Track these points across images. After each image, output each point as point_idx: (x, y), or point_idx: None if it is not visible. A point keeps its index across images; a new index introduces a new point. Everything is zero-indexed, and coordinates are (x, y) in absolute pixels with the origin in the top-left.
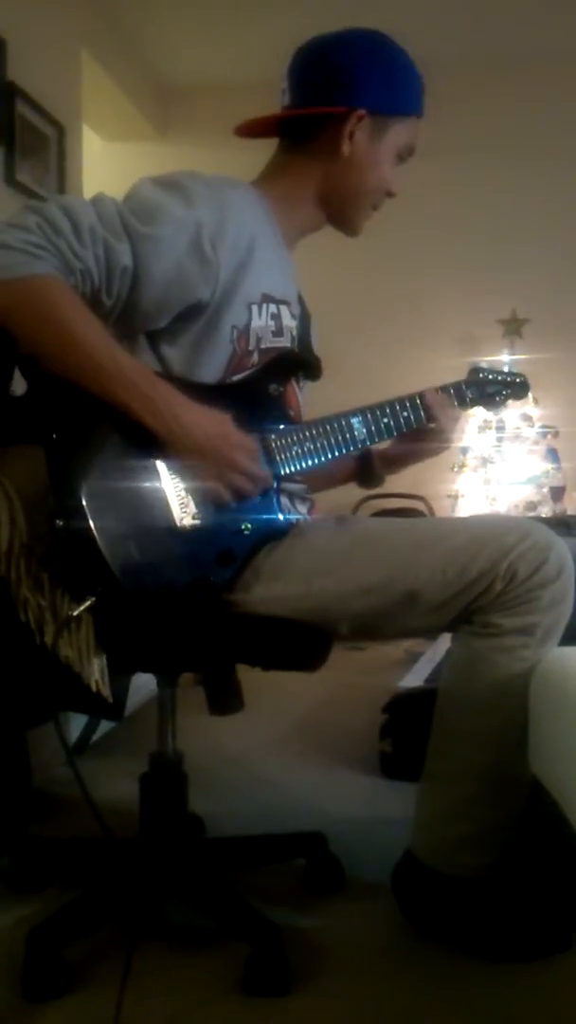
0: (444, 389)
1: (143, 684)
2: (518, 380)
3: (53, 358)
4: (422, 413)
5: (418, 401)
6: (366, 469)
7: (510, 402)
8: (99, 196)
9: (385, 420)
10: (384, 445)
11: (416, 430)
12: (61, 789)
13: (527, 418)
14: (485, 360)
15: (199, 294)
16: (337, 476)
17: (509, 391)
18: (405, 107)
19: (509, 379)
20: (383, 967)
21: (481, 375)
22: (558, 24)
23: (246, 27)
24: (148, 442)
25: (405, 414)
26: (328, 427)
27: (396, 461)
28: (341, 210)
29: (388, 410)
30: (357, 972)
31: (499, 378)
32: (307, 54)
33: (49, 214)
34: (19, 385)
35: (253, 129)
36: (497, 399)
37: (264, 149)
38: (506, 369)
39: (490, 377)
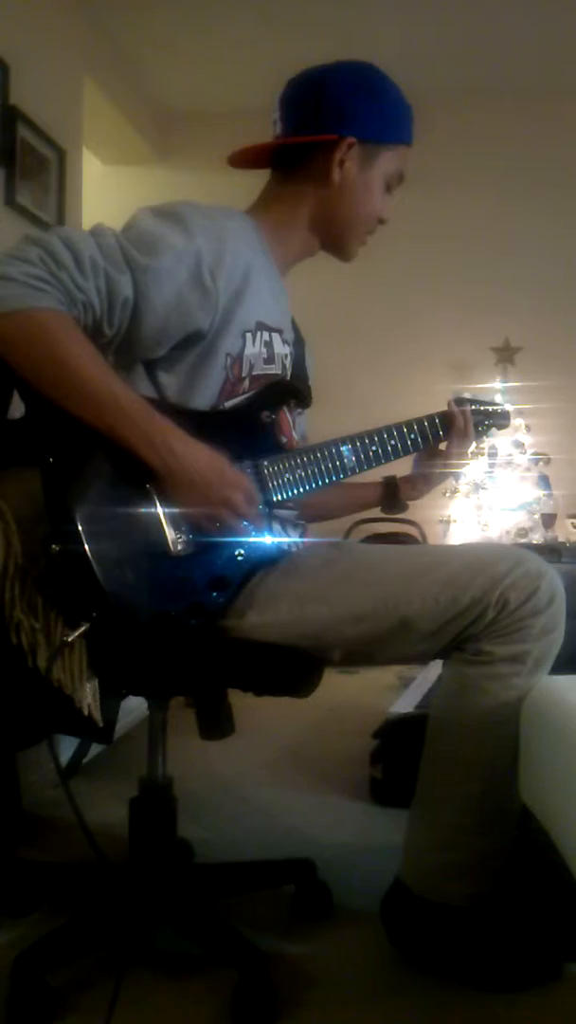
0: (429, 418)
1: (133, 707)
2: (500, 409)
3: (52, 390)
4: (408, 441)
5: (404, 428)
6: (391, 495)
7: (493, 431)
8: (99, 228)
9: (374, 448)
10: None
11: (429, 450)
12: (51, 811)
13: (519, 445)
14: (477, 388)
15: (199, 323)
16: (360, 501)
17: (492, 420)
18: (394, 135)
19: (492, 408)
20: (371, 995)
21: (464, 405)
22: (553, 55)
23: (245, 55)
24: (143, 470)
25: (393, 442)
26: (319, 454)
27: (419, 484)
28: (333, 237)
29: (376, 438)
30: (345, 1000)
31: (482, 407)
32: (298, 84)
33: (51, 246)
34: (17, 408)
35: (246, 159)
36: (480, 428)
37: (263, 174)
38: (496, 398)
39: (473, 407)
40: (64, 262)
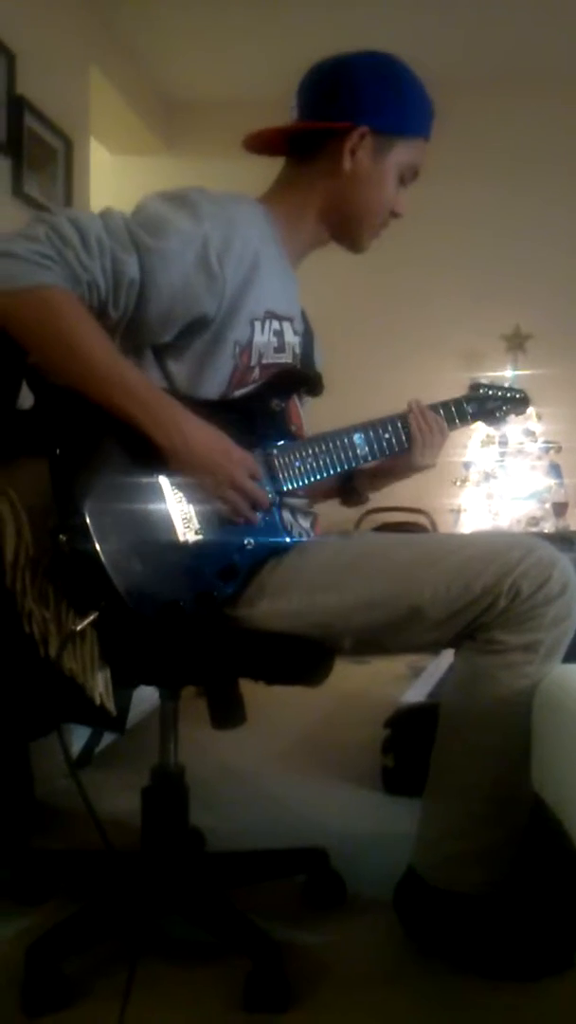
0: (444, 405)
1: (145, 696)
2: (518, 396)
3: (58, 368)
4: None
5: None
6: (348, 487)
7: (511, 417)
8: (107, 210)
9: (387, 436)
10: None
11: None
12: (63, 801)
13: (530, 433)
14: (488, 375)
15: (205, 308)
16: (318, 493)
17: (509, 406)
18: (410, 128)
19: (509, 395)
20: (384, 984)
21: (481, 391)
22: (565, 42)
23: (251, 44)
24: (151, 457)
25: (407, 430)
26: (330, 443)
27: (379, 477)
28: (343, 227)
29: (390, 426)
30: (357, 989)
31: (499, 393)
32: (316, 72)
33: (58, 225)
34: (27, 398)
35: (260, 143)
36: (497, 414)
37: (270, 163)
38: (508, 384)
39: (490, 393)
40: (70, 240)
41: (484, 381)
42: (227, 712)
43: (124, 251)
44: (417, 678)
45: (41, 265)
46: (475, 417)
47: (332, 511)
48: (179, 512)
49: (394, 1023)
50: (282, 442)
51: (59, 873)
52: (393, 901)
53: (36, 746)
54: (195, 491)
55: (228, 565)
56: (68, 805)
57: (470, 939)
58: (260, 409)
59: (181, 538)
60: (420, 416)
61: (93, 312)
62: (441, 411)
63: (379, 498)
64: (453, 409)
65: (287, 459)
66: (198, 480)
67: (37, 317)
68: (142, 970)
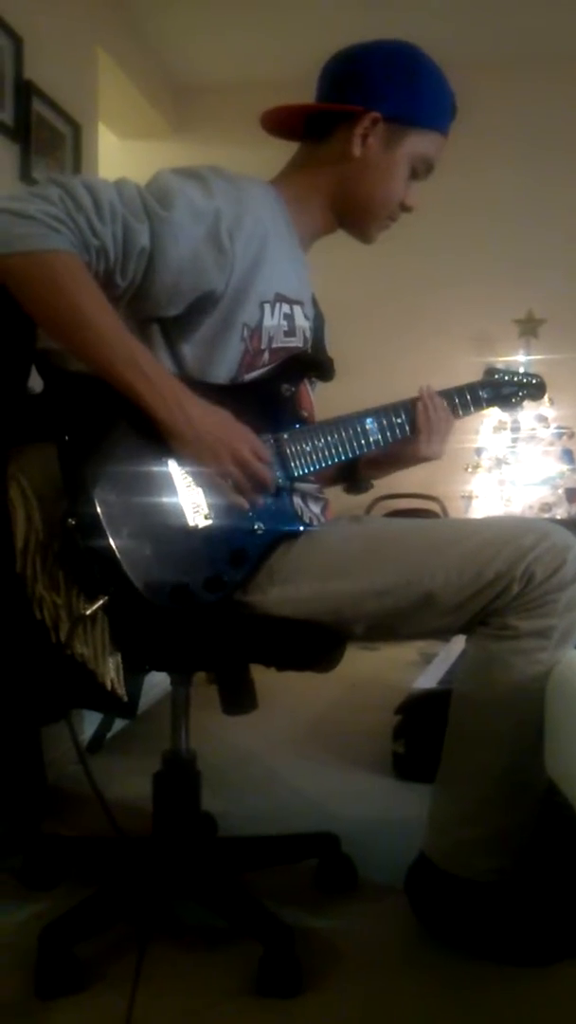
0: (459, 390)
1: (157, 682)
2: (534, 381)
3: (63, 335)
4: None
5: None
6: (351, 473)
7: (526, 403)
8: (122, 179)
9: (399, 421)
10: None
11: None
12: (75, 786)
13: (542, 419)
14: (501, 360)
15: (213, 284)
16: (321, 479)
17: (525, 392)
18: (424, 120)
19: (525, 380)
20: (395, 969)
21: (496, 376)
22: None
23: (261, 27)
24: (159, 441)
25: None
26: (341, 428)
27: (383, 465)
28: (351, 215)
29: (402, 411)
30: (369, 973)
31: (515, 379)
32: (337, 57)
33: (72, 188)
34: (37, 382)
35: (277, 123)
36: (513, 400)
37: (278, 148)
38: (522, 370)
39: (506, 378)
40: (83, 204)
41: (499, 366)
42: (238, 698)
43: (136, 219)
44: (428, 664)
45: (53, 228)
46: (490, 403)
47: (343, 496)
48: (188, 497)
49: (405, 1007)
50: (292, 427)
51: (71, 858)
52: (404, 886)
53: (48, 732)
54: (204, 475)
55: (238, 550)
56: (80, 790)
57: (481, 924)
58: (270, 394)
59: (190, 523)
60: (428, 403)
61: (99, 280)
62: (455, 397)
63: (390, 484)
64: (467, 394)
65: (297, 444)
66: (200, 456)
67: (46, 282)
68: (154, 954)
